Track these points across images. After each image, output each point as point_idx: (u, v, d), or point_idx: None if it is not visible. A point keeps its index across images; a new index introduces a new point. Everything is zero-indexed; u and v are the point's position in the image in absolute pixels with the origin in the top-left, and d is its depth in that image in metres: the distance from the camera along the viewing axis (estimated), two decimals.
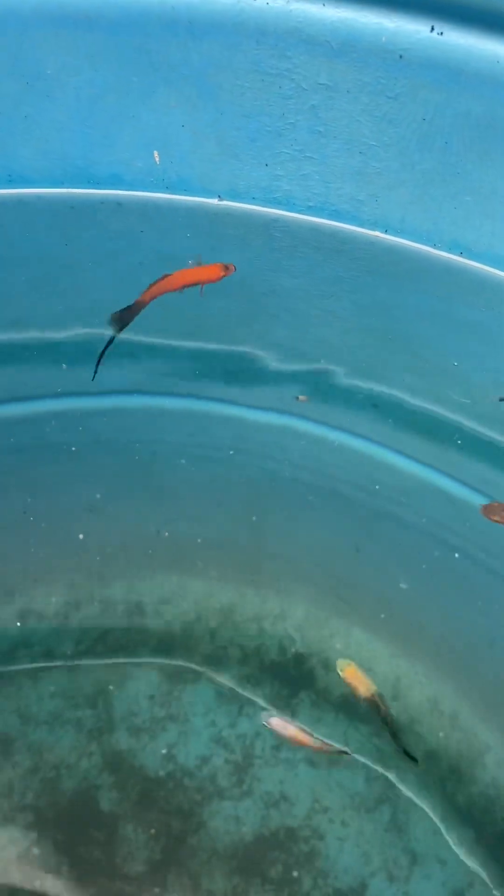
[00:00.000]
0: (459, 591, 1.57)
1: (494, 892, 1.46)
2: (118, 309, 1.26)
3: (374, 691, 1.38)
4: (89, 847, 1.48)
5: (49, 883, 1.44)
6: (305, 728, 1.44)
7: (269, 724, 1.42)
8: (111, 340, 1.29)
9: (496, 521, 1.34)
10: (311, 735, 1.43)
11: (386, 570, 1.65)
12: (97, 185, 1.28)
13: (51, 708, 1.60)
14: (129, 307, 1.25)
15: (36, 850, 1.47)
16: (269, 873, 1.47)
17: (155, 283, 1.22)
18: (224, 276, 1.24)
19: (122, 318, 1.26)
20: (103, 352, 1.29)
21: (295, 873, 1.46)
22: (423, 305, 1.31)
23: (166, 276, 1.22)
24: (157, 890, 1.44)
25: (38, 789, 1.52)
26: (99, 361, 1.30)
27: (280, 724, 1.42)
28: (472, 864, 1.48)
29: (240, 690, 1.61)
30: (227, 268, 1.23)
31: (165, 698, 1.63)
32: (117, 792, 1.52)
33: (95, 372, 1.32)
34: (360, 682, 1.37)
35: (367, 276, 1.29)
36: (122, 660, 1.64)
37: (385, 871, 1.48)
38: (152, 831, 1.49)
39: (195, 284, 1.23)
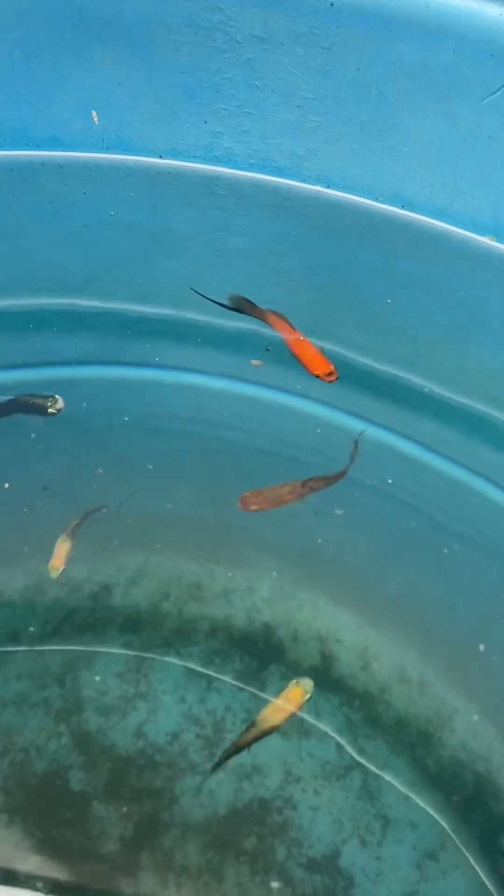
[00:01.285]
0: (418, 552, 1.58)
1: (465, 853, 1.46)
2: (243, 296, 1.28)
3: None
4: (61, 828, 1.46)
5: (21, 865, 1.43)
6: None
7: None
8: (213, 300, 1.29)
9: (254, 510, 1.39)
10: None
11: (346, 535, 1.65)
12: (37, 147, 1.26)
13: (18, 690, 1.58)
14: (252, 304, 1.27)
15: (7, 833, 1.45)
16: (243, 845, 1.46)
17: (281, 318, 1.25)
18: (317, 376, 1.31)
19: (239, 305, 1.28)
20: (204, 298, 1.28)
21: (269, 844, 1.46)
22: (370, 261, 1.31)
23: (289, 324, 1.26)
24: (130, 868, 1.43)
25: (7, 772, 1.50)
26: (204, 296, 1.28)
27: None
28: (443, 826, 1.48)
29: (209, 665, 1.60)
30: (330, 374, 1.29)
31: (134, 676, 1.62)
32: (88, 772, 1.50)
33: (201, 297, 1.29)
34: None
35: (313, 232, 1.29)
36: (88, 639, 1.63)
37: (358, 837, 1.48)
38: (124, 809, 1.48)
39: (300, 357, 1.29)
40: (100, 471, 1.55)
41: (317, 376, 1.32)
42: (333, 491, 1.62)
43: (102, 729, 1.53)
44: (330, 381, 1.33)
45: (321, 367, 1.31)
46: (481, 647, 1.61)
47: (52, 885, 1.39)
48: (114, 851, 1.42)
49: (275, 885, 1.32)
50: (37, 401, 1.33)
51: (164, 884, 1.39)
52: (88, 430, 1.59)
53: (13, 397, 1.32)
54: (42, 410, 1.36)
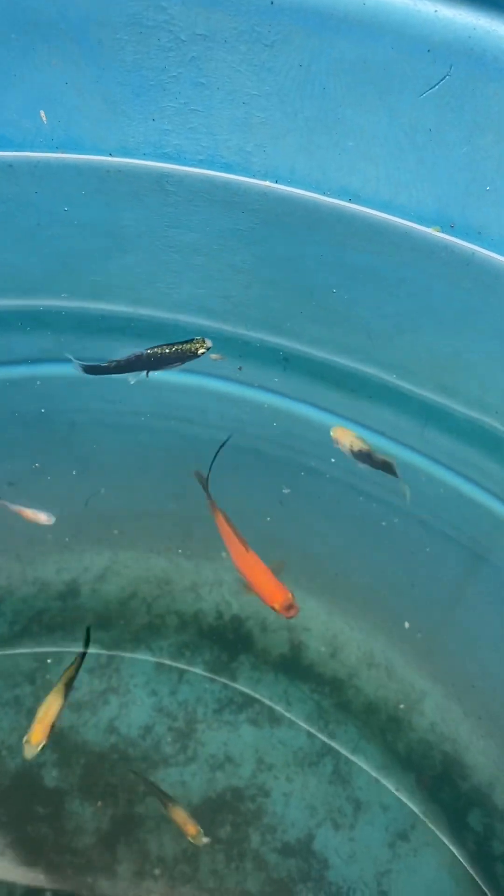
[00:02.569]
0: (379, 538, 1.60)
1: (434, 831, 1.50)
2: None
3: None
4: (36, 825, 1.47)
5: None
6: None
7: None
8: None
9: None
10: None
11: (309, 525, 1.67)
12: None
13: None
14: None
15: None
16: (218, 834, 1.48)
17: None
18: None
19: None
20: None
21: (243, 831, 1.48)
22: (320, 254, 1.33)
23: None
24: (107, 861, 1.44)
25: None
26: None
27: None
28: (413, 807, 1.51)
29: (179, 658, 1.62)
30: (288, 608, 1.10)
31: (105, 671, 1.62)
32: (61, 768, 1.51)
33: None
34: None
35: (264, 227, 1.31)
36: (58, 637, 1.63)
37: (330, 820, 1.50)
38: (99, 804, 1.49)
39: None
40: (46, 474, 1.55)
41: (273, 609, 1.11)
42: (294, 482, 1.65)
43: (75, 725, 1.54)
44: (289, 616, 1.11)
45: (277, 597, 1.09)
46: (445, 630, 1.65)
47: (30, 881, 1.40)
48: (89, 845, 1.43)
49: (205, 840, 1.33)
50: (183, 347, 1.21)
51: (142, 875, 1.40)
52: (51, 427, 1.60)
53: (148, 351, 1.19)
54: (193, 355, 1.23)
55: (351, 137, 1.19)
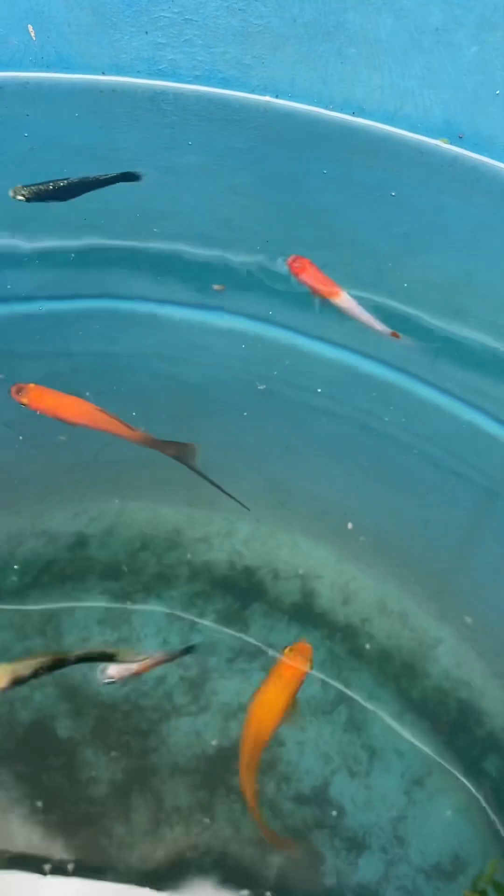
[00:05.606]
0: (388, 476, 1.56)
1: (451, 776, 1.47)
2: None
3: None
4: (51, 774, 1.46)
5: (13, 812, 1.43)
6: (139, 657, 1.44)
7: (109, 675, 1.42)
8: None
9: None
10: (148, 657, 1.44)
11: (318, 467, 1.63)
12: None
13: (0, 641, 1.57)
14: None
15: None
16: (232, 783, 1.46)
17: None
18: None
19: None
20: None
21: (258, 780, 1.46)
22: (324, 172, 1.28)
23: None
24: (122, 810, 1.43)
25: None
26: None
27: (119, 670, 1.41)
28: (429, 753, 1.49)
29: (191, 607, 1.60)
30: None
31: (116, 621, 1.61)
32: (74, 719, 1.50)
33: None
34: None
35: (264, 145, 1.25)
36: (68, 588, 1.62)
37: (346, 768, 1.49)
38: (113, 754, 1.48)
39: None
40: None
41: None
42: (302, 421, 1.60)
43: (87, 676, 1.52)
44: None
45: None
46: (458, 574, 1.61)
47: (45, 832, 1.39)
48: (104, 795, 1.42)
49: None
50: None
51: (157, 823, 1.39)
52: (52, 370, 1.57)
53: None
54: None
55: (353, 44, 1.13)
